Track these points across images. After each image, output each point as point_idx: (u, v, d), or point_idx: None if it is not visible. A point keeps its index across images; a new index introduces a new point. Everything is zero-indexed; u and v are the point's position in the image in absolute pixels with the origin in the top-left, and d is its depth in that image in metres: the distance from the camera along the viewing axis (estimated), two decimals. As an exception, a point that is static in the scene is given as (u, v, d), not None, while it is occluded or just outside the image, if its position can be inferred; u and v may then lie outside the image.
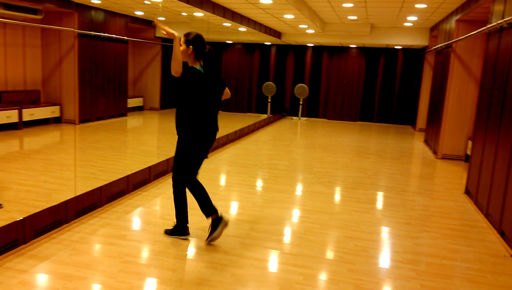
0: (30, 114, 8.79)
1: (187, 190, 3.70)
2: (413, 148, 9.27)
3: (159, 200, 4.82)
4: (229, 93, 3.84)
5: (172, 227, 3.81)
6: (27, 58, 9.35)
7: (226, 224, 3.63)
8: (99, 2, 8.89)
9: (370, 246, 3.78)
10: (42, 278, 2.97)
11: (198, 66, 3.52)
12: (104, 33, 10.12)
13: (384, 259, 3.54)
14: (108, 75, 10.63)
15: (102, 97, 10.45)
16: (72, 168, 5.73)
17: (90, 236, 3.70)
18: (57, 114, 9.56)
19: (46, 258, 3.25)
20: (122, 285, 2.91)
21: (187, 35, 3.50)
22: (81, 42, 9.54)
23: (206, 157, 3.69)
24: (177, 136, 3.59)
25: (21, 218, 3.45)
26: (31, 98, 9.41)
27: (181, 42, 3.42)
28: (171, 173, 5.79)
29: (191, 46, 3.44)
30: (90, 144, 7.88)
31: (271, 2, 6.99)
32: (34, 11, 8.33)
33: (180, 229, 3.74)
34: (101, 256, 3.34)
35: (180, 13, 9.06)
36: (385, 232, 4.15)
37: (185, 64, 3.48)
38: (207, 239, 3.63)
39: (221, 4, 7.56)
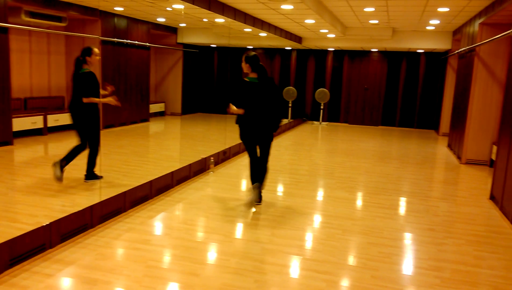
0: (54, 120, 9.00)
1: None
2: (437, 153, 9.13)
3: (181, 205, 4.86)
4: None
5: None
6: (51, 65, 9.58)
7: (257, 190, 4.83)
8: (122, 9, 9.07)
9: (394, 252, 3.73)
10: (67, 283, 3.04)
11: (252, 77, 4.67)
12: (127, 39, 10.31)
13: (408, 266, 3.49)
14: (130, 81, 10.82)
15: (125, 102, 10.62)
16: (99, 173, 5.81)
17: (115, 240, 3.76)
18: (81, 120, 9.74)
19: (72, 262, 3.31)
20: (146, 290, 2.94)
21: (247, 55, 4.65)
22: (104, 48, 9.73)
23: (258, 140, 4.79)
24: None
25: (48, 223, 3.53)
26: (56, 104, 9.64)
27: (242, 59, 4.67)
28: (193, 178, 5.89)
29: (248, 64, 4.61)
30: (114, 149, 8.01)
31: (292, 7, 7.01)
32: (58, 19, 8.54)
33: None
34: (125, 260, 3.39)
35: (202, 19, 9.17)
36: (408, 239, 4.09)
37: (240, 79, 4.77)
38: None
39: (242, 10, 7.61)
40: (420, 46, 11.39)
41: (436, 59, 12.94)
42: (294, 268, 3.38)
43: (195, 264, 3.37)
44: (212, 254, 3.58)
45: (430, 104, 13.15)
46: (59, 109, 9.55)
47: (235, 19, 7.38)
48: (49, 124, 8.89)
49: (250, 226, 4.30)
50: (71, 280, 3.06)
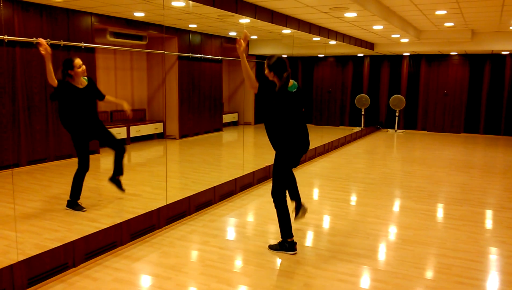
0: (136, 130, 9.74)
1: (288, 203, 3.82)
2: (522, 162, 8.43)
3: (242, 210, 5.05)
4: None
5: (277, 243, 3.83)
6: (134, 80, 10.40)
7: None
8: (196, 26, 9.60)
9: (454, 263, 3.57)
10: (132, 276, 3.33)
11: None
12: (201, 54, 10.87)
13: (468, 278, 3.33)
14: (204, 93, 11.36)
15: (199, 113, 11.17)
16: (170, 179, 6.21)
17: (178, 241, 4.03)
18: (160, 130, 10.44)
19: (138, 259, 3.63)
20: (201, 287, 3.14)
21: (269, 59, 3.66)
22: (181, 63, 10.35)
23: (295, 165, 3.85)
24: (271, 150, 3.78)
25: (119, 223, 3.89)
26: (138, 116, 10.42)
27: (265, 66, 3.68)
28: (256, 185, 6.06)
29: (272, 72, 3.62)
30: (186, 157, 8.49)
31: (356, 15, 6.97)
32: (139, 38, 9.27)
33: (286, 244, 3.77)
34: (185, 259, 3.63)
35: (270, 31, 9.41)
36: (473, 250, 3.88)
37: (263, 79, 3.71)
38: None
39: (306, 20, 7.71)
40: (504, 47, 10.61)
41: (524, 60, 11.96)
42: (345, 274, 3.38)
43: (249, 265, 3.52)
44: (266, 257, 3.69)
45: (519, 109, 12.15)
46: (140, 121, 10.30)
47: (299, 30, 7.49)
48: (132, 135, 9.63)
49: (307, 232, 4.36)
50: (136, 274, 3.36)
